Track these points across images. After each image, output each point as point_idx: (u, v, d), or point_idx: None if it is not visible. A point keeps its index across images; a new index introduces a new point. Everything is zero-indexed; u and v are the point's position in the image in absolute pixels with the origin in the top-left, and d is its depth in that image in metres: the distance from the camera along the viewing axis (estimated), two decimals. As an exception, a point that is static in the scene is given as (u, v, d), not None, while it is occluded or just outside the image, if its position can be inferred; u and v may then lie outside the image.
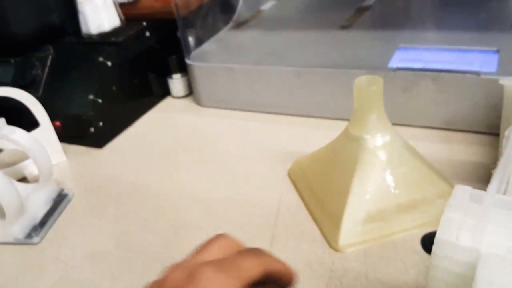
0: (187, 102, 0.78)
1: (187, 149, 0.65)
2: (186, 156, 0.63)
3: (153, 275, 0.45)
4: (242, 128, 0.68)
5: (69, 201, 0.56)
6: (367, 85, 0.44)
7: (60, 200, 0.56)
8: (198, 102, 0.76)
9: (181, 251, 0.47)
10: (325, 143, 0.53)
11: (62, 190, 0.57)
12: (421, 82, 0.58)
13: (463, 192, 0.30)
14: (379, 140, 0.46)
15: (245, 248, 0.30)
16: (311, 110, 0.66)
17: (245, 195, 0.54)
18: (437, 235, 0.27)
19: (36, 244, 0.51)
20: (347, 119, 0.63)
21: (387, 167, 0.46)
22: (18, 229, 0.51)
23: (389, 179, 0.45)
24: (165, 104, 0.79)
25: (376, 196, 0.45)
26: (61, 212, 0.55)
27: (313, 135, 0.63)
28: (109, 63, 0.67)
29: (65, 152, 0.67)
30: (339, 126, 0.63)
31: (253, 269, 0.27)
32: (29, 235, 0.51)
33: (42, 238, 0.51)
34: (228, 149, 0.63)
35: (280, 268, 0.29)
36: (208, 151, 0.64)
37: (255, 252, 0.29)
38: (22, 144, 0.52)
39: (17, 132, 0.53)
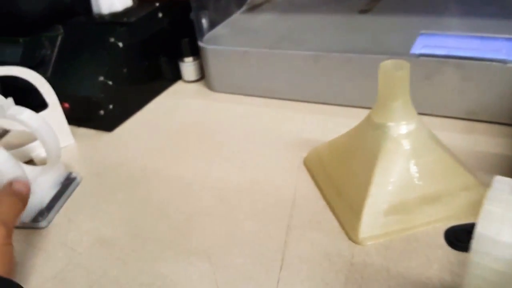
0: (199, 87, 0.76)
1: (199, 135, 0.63)
2: (197, 142, 0.61)
3: (165, 263, 0.43)
4: (255, 114, 0.66)
5: (77, 185, 0.55)
6: (393, 69, 0.42)
7: (68, 183, 0.54)
8: (210, 86, 0.74)
9: (193, 239, 0.46)
10: (342, 131, 0.51)
11: (70, 173, 0.55)
12: (444, 70, 0.55)
13: (503, 184, 0.28)
14: (403, 128, 0.43)
15: None
16: (328, 96, 0.64)
17: (259, 183, 0.52)
18: (476, 230, 0.25)
19: (43, 228, 0.49)
20: (366, 107, 0.61)
21: (411, 156, 0.43)
22: (24, 212, 0.49)
23: (413, 169, 0.43)
24: (176, 88, 0.77)
25: (399, 187, 0.43)
26: (68, 196, 0.53)
27: (329, 123, 0.61)
28: (120, 44, 0.65)
29: (73, 135, 0.65)
30: (358, 114, 0.61)
31: None
32: (35, 219, 0.49)
33: (49, 222, 0.50)
34: (240, 136, 0.61)
35: None
36: (220, 137, 0.62)
37: None
38: (30, 125, 0.50)
39: (25, 113, 0.51)
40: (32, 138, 0.61)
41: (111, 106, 0.64)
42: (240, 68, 0.68)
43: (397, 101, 0.43)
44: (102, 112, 0.64)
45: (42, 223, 0.49)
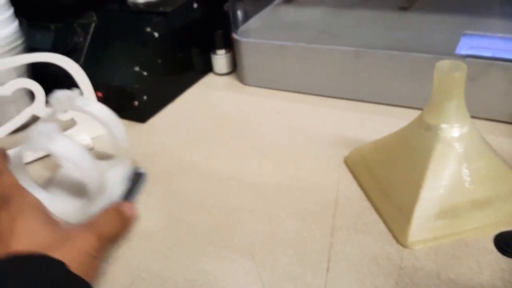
0: (230, 80, 0.75)
1: (233, 129, 0.62)
2: (231, 136, 0.60)
3: (207, 258, 0.42)
4: (291, 110, 0.65)
5: (145, 180, 0.52)
6: (450, 70, 0.41)
7: (136, 179, 0.52)
8: (241, 80, 0.73)
9: (235, 235, 0.45)
10: (383, 130, 0.50)
11: (138, 168, 0.53)
12: (491, 72, 0.54)
13: None
14: (456, 130, 0.42)
15: None
16: (368, 94, 0.62)
17: (299, 181, 0.51)
18: None
19: None
20: (409, 107, 0.60)
21: (464, 160, 0.42)
22: (98, 209, 0.46)
23: (465, 173, 0.42)
24: (207, 81, 0.76)
25: (450, 191, 0.42)
26: (138, 192, 0.51)
27: (369, 122, 0.60)
28: (156, 34, 0.64)
29: (106, 124, 0.64)
30: (399, 114, 0.60)
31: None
32: None
33: None
34: (276, 131, 0.60)
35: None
36: (255, 132, 0.61)
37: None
38: (99, 116, 0.48)
39: (94, 105, 0.49)
40: (65, 126, 0.61)
41: (145, 97, 0.63)
42: (275, 62, 0.67)
43: (451, 102, 0.42)
44: (136, 103, 0.63)
45: None
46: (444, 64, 0.41)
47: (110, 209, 0.42)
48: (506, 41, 0.58)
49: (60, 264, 0.33)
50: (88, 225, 0.39)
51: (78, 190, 0.49)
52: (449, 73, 0.41)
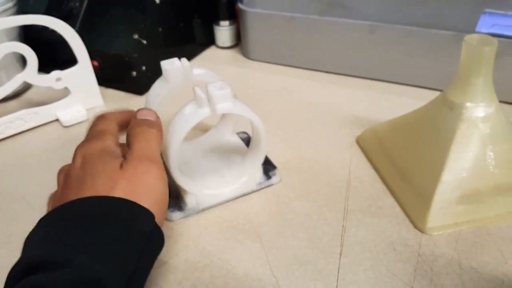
0: (233, 53, 0.72)
1: (237, 104, 0.58)
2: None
3: (211, 239, 0.39)
4: (299, 87, 0.61)
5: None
6: (479, 44, 0.38)
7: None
8: (245, 54, 0.69)
9: (240, 216, 0.42)
10: (397, 110, 0.48)
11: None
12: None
13: None
14: (482, 110, 0.39)
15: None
16: (383, 72, 0.59)
17: (308, 160, 0.48)
18: None
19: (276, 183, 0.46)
20: (425, 87, 0.57)
21: (489, 142, 0.40)
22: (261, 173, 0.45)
23: (489, 156, 0.40)
24: (209, 54, 0.72)
25: (473, 175, 0.39)
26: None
27: (383, 101, 0.57)
28: (157, 0, 0.60)
29: (102, 96, 0.60)
30: (414, 93, 0.57)
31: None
32: (268, 176, 0.45)
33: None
34: (284, 109, 0.57)
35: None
36: (261, 109, 0.57)
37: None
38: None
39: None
40: (55, 97, 0.57)
41: (144, 68, 0.60)
42: (283, 35, 0.63)
43: (479, 79, 0.39)
44: (134, 73, 0.59)
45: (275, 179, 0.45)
46: (473, 37, 0.38)
47: (136, 126, 0.37)
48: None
49: (150, 217, 0.32)
50: (137, 155, 0.34)
51: (226, 151, 0.48)
52: (478, 47, 0.37)
